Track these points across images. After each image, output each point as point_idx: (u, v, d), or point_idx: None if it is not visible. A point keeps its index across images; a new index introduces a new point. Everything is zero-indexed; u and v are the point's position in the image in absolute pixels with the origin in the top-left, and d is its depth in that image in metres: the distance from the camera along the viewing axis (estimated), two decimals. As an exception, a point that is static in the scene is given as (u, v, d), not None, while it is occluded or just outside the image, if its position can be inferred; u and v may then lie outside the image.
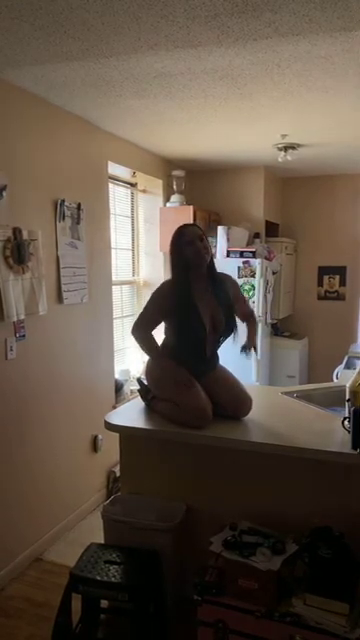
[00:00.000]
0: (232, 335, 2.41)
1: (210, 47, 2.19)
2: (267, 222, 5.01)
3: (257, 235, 4.84)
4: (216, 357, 2.48)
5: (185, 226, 2.41)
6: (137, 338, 2.42)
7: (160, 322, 2.41)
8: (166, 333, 2.42)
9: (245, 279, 4.38)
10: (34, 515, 2.98)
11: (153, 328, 2.41)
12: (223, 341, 2.44)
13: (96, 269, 3.52)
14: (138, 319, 2.43)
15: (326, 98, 2.86)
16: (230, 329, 2.40)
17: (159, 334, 2.48)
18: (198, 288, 2.35)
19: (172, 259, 2.38)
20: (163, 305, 2.36)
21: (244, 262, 4.40)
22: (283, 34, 2.07)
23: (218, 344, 2.44)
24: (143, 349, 2.44)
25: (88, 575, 2.02)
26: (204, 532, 2.11)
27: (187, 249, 2.31)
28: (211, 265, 2.39)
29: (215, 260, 2.49)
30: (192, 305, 2.31)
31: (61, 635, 2.08)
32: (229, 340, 2.43)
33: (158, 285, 2.47)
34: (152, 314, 2.39)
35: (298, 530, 1.99)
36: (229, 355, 2.57)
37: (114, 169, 3.88)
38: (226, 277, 2.49)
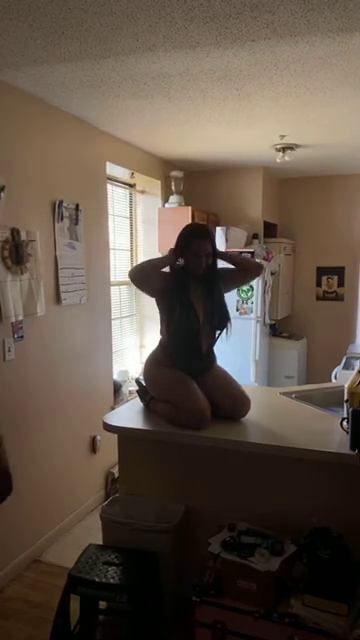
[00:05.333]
0: (227, 329, 2.41)
1: (208, 48, 2.19)
2: (265, 223, 5.02)
3: (255, 236, 4.84)
4: (213, 355, 2.48)
5: (198, 234, 2.36)
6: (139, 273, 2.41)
7: (161, 282, 2.36)
8: (162, 333, 2.42)
9: (243, 280, 4.38)
10: (32, 516, 2.98)
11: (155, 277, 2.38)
12: (219, 335, 2.43)
13: (94, 270, 3.52)
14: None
15: (324, 99, 2.86)
16: (224, 322, 2.40)
17: (155, 335, 2.49)
18: (190, 284, 2.36)
19: (174, 253, 2.38)
20: (163, 283, 2.35)
21: (242, 263, 4.40)
22: (281, 35, 2.07)
23: (214, 340, 2.44)
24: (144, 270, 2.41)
25: (86, 576, 2.02)
26: (203, 533, 2.11)
27: (191, 258, 2.31)
28: (209, 271, 2.37)
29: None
30: (185, 294, 2.32)
31: (59, 636, 2.07)
32: (226, 340, 2.43)
33: None
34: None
35: (297, 531, 1.99)
36: (227, 356, 2.58)
37: (112, 170, 3.88)
38: (217, 275, 2.45)
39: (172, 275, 2.37)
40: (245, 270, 2.51)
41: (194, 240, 2.32)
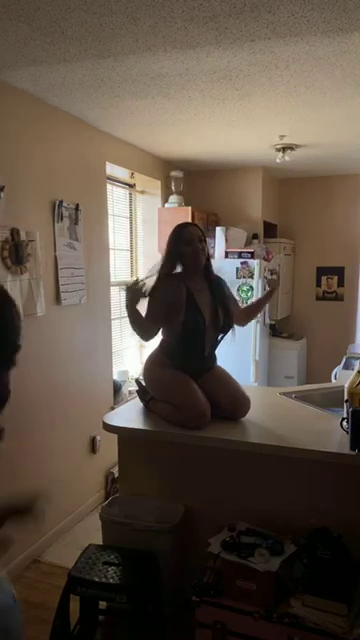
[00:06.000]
0: (231, 331, 2.41)
1: (208, 48, 2.19)
2: (265, 223, 5.02)
3: (255, 236, 4.84)
4: (214, 356, 2.48)
5: (186, 225, 2.41)
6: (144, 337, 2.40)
7: (164, 321, 2.35)
8: (164, 333, 2.42)
9: (243, 280, 4.38)
10: (32, 516, 2.97)
11: (158, 327, 2.37)
12: (222, 338, 2.43)
13: (94, 270, 3.52)
14: (141, 328, 2.36)
15: (324, 99, 2.86)
16: (229, 325, 2.40)
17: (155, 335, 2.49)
18: (194, 286, 2.36)
19: (167, 254, 2.38)
20: (165, 301, 2.33)
21: (242, 263, 4.40)
22: (281, 35, 2.07)
23: (217, 342, 2.44)
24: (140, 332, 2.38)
25: (86, 576, 2.01)
26: (202, 533, 2.11)
27: (185, 248, 2.31)
28: (207, 266, 2.40)
29: (213, 261, 2.49)
30: (190, 297, 2.33)
31: (59, 637, 2.07)
32: (225, 340, 2.43)
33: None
34: (156, 314, 2.34)
35: (296, 531, 1.99)
36: (227, 356, 2.58)
37: (112, 170, 3.88)
38: (219, 278, 2.49)
39: (172, 282, 2.35)
40: (247, 318, 2.63)
41: (181, 229, 2.35)
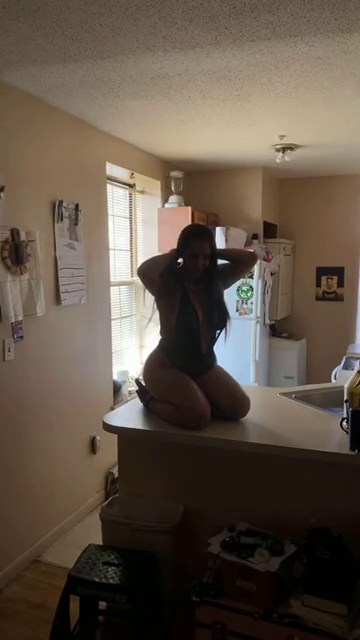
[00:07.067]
0: (226, 327, 2.40)
1: (208, 48, 2.19)
2: (265, 223, 5.02)
3: (255, 236, 4.84)
4: (213, 355, 2.48)
5: (197, 236, 2.34)
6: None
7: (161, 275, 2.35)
8: (162, 333, 2.42)
9: (243, 280, 4.38)
10: (32, 517, 2.98)
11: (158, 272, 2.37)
12: (219, 335, 2.43)
13: (94, 270, 3.52)
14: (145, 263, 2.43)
15: (324, 99, 2.86)
16: (224, 320, 2.40)
17: (155, 336, 2.49)
18: (189, 285, 2.36)
19: (172, 257, 2.38)
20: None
21: (242, 263, 4.39)
22: (281, 35, 2.07)
23: (214, 340, 2.44)
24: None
25: (86, 577, 2.01)
26: (202, 533, 2.11)
27: (188, 260, 2.31)
28: (208, 271, 2.36)
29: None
30: (183, 294, 2.33)
31: (59, 637, 2.07)
32: (225, 340, 2.43)
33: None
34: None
35: (296, 531, 1.99)
36: (227, 356, 2.58)
37: (112, 170, 3.88)
38: (215, 274, 2.44)
39: (169, 274, 2.36)
40: (238, 262, 2.48)
41: (192, 241, 2.32)
